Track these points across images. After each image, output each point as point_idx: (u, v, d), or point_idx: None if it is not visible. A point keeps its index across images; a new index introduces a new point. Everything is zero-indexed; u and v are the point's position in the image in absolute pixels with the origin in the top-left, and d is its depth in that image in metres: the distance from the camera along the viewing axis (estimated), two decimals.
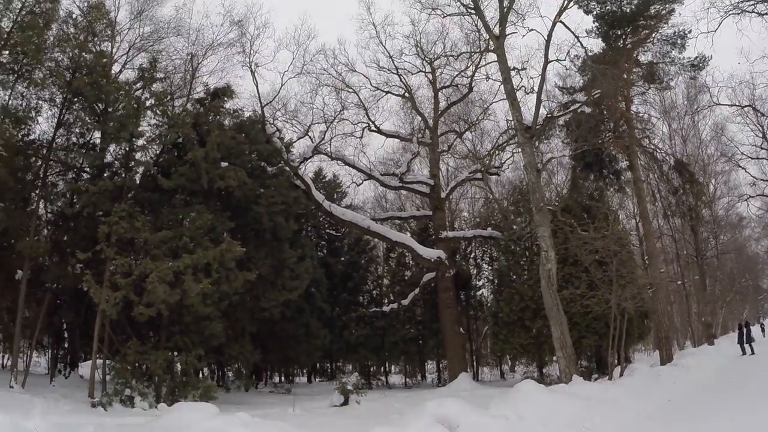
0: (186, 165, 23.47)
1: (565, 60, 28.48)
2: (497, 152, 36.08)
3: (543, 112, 28.24)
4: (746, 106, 35.87)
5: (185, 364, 21.57)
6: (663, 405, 17.09)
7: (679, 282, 54.90)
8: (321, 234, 42.40)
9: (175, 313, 21.66)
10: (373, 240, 39.79)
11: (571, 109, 30.14)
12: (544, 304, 23.98)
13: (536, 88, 26.97)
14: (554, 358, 27.87)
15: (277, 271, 26.61)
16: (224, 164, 24.44)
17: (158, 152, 25.63)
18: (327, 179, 43.49)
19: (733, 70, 72.92)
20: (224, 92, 26.81)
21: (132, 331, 22.49)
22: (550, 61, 26.40)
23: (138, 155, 24.53)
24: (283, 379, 42.32)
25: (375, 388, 36.47)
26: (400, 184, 35.95)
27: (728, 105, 36.76)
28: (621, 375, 23.95)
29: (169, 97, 25.52)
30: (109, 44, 26.41)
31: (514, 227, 33.55)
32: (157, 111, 24.91)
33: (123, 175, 23.74)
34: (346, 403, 22.40)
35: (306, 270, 27.66)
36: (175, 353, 23.26)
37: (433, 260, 32.90)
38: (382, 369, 40.05)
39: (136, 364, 21.60)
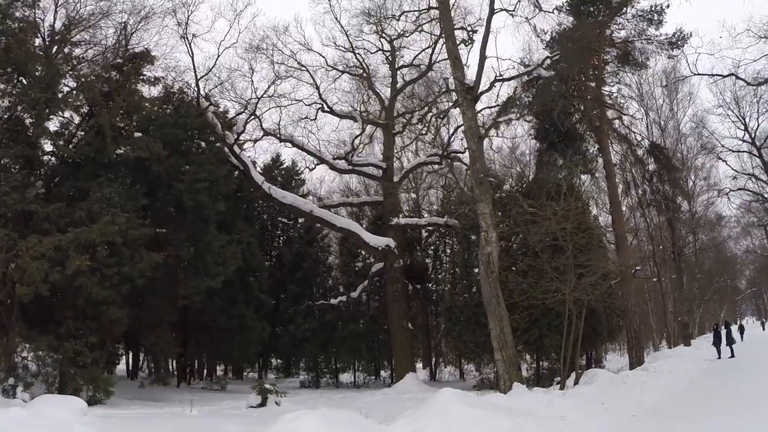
0: (91, 133, 21.04)
1: (514, 11, 25.55)
2: (440, 118, 33.68)
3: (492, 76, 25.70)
4: (728, 75, 33.60)
5: (71, 353, 18.91)
6: (622, 423, 14.04)
7: (654, 279, 52.94)
8: (275, 222, 40.13)
9: (69, 296, 19.16)
10: (325, 228, 37.22)
11: (526, 71, 27.58)
12: (482, 295, 21.37)
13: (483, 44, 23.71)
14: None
15: (199, 255, 24.06)
16: (138, 135, 22.04)
17: (77, 122, 23.23)
18: (285, 166, 41.30)
19: (713, 43, 71.19)
20: (143, 57, 24.02)
21: (21, 314, 19.83)
22: (497, 11, 23.66)
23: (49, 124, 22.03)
24: (231, 374, 40.01)
25: (324, 387, 34.16)
26: (350, 167, 33.51)
27: (708, 75, 34.64)
28: (576, 383, 20.41)
29: (81, 62, 23.13)
30: (46, 15, 24.06)
31: (469, 213, 31.10)
32: (72, 77, 22.43)
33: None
34: (263, 404, 19.88)
35: (233, 255, 24.99)
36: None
37: (380, 249, 30.44)
38: (331, 366, 37.30)
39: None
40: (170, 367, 31.18)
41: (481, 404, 13.27)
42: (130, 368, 30.53)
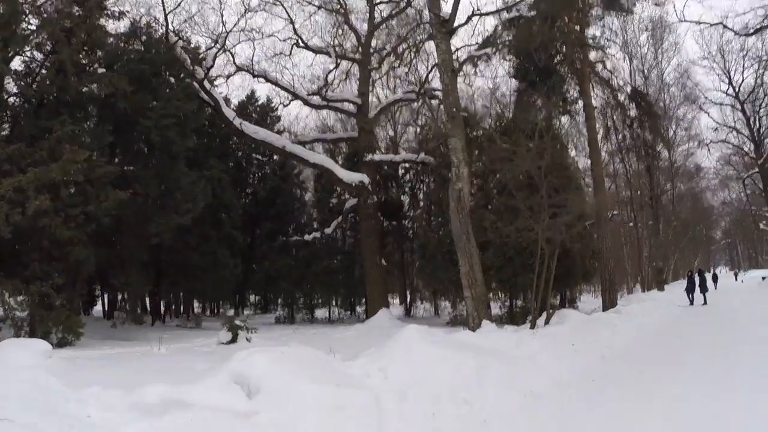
0: (53, 70, 20.37)
1: None
2: (416, 52, 32.94)
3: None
4: (716, 24, 33.37)
5: (38, 295, 18.56)
6: (592, 365, 13.81)
7: (631, 224, 53.24)
8: (250, 159, 39.71)
9: (34, 238, 18.73)
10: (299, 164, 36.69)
11: (505, 6, 26.96)
12: (452, 231, 20.87)
13: None
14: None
15: (168, 193, 23.63)
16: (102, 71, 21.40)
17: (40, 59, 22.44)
18: (260, 102, 40.83)
19: None
20: None
21: None
22: None
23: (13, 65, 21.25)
24: (209, 312, 40.04)
25: (299, 322, 34.21)
26: (324, 103, 32.91)
27: (696, 22, 34.54)
28: (547, 323, 19.89)
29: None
30: None
31: (444, 150, 30.71)
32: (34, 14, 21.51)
33: None
34: (234, 340, 19.88)
35: (202, 192, 24.51)
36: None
37: (354, 185, 30.01)
38: (306, 302, 37.23)
39: None
40: (146, 306, 30.99)
41: (447, 342, 12.71)
42: (107, 309, 30.20)
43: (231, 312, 38.24)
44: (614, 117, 41.66)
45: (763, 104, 47.85)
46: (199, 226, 26.42)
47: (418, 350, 11.13)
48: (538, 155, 20.03)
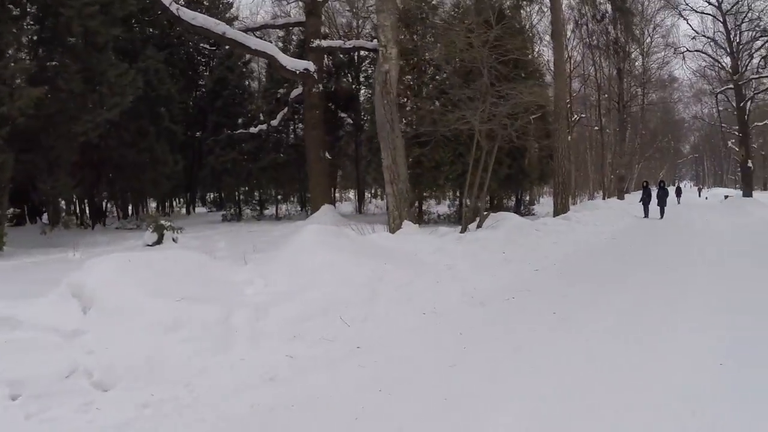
0: None
1: None
2: None
3: None
4: None
5: None
6: (520, 277, 12.26)
7: (596, 127, 52.35)
8: (200, 50, 38.08)
9: None
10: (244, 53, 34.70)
11: None
12: (376, 118, 18.73)
13: None
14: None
15: (97, 86, 22.22)
16: None
17: None
18: None
19: None
20: None
21: None
22: None
23: None
24: (162, 212, 39.02)
25: (246, 220, 33.48)
26: None
27: None
28: (479, 226, 18.24)
29: None
30: None
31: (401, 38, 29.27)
32: None
33: None
34: (159, 241, 19.15)
35: (131, 83, 22.87)
36: None
37: (299, 72, 28.15)
38: (253, 198, 36.02)
39: None
40: (85, 210, 29.99)
41: (352, 247, 11.16)
42: (50, 216, 29.09)
43: (183, 210, 37.52)
44: (586, 11, 40.24)
45: (746, 18, 46.16)
46: (135, 121, 25.24)
47: (308, 255, 10.07)
48: (476, 35, 18.62)
